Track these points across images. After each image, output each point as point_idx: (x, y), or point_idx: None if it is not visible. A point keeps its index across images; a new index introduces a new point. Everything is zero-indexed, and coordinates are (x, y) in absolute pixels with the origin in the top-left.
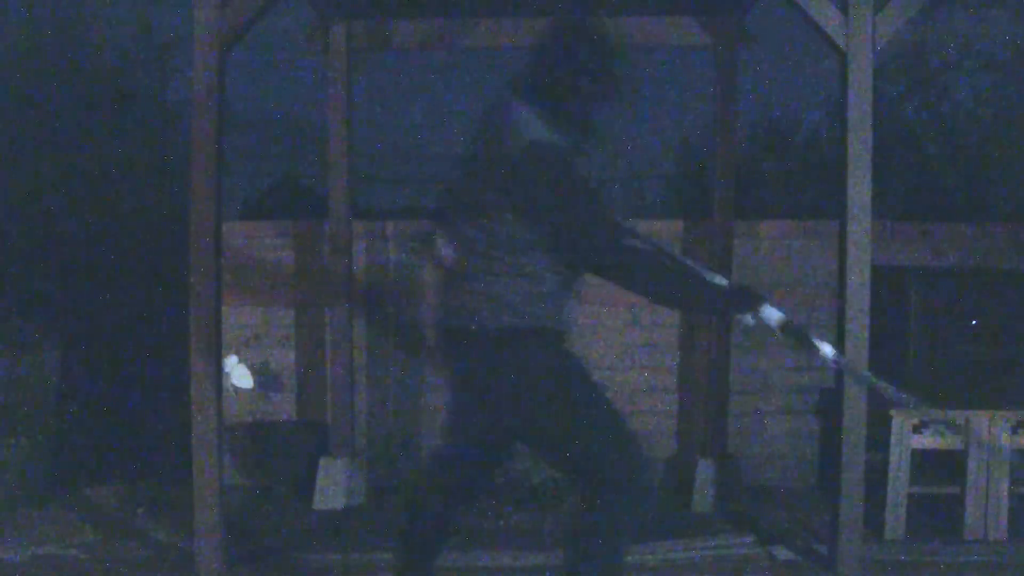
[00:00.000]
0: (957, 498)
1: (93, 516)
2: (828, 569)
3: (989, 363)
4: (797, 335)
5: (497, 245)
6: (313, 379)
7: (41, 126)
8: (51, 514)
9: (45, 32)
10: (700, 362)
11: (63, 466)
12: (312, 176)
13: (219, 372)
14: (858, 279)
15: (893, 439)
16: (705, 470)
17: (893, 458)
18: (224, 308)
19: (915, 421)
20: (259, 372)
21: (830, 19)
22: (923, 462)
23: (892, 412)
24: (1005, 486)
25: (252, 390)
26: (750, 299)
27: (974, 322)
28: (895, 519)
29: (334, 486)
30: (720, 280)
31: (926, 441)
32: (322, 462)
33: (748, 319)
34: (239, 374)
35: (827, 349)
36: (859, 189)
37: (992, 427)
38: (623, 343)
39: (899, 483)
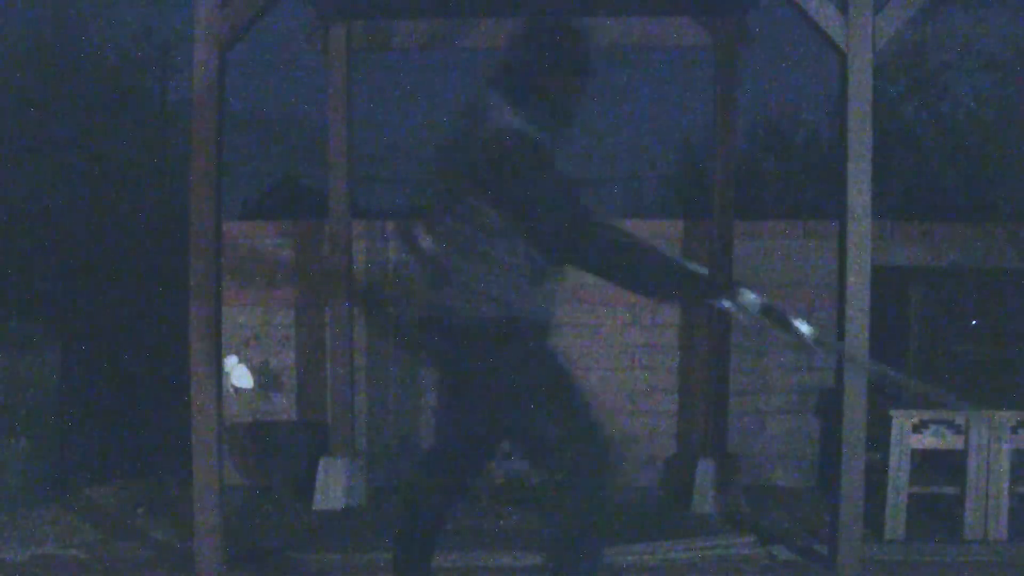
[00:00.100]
0: (957, 498)
1: (93, 516)
2: (828, 569)
3: (989, 363)
4: (778, 319)
5: (475, 235)
6: (313, 379)
7: (41, 126)
8: (51, 514)
9: (45, 32)
10: (700, 362)
11: (63, 466)
12: (312, 176)
13: (219, 372)
14: (858, 279)
15: (893, 439)
16: (705, 470)
17: (893, 458)
18: (224, 308)
19: (915, 421)
20: (259, 372)
21: (830, 19)
22: (923, 462)
23: (892, 412)
24: (1005, 486)
25: (252, 390)
26: (727, 284)
27: (974, 322)
28: (895, 519)
29: (334, 486)
30: (700, 269)
31: (926, 441)
32: (322, 462)
33: (725, 303)
34: (239, 374)
35: (805, 329)
36: (859, 189)
37: (992, 427)
38: (623, 343)
39: (899, 483)
